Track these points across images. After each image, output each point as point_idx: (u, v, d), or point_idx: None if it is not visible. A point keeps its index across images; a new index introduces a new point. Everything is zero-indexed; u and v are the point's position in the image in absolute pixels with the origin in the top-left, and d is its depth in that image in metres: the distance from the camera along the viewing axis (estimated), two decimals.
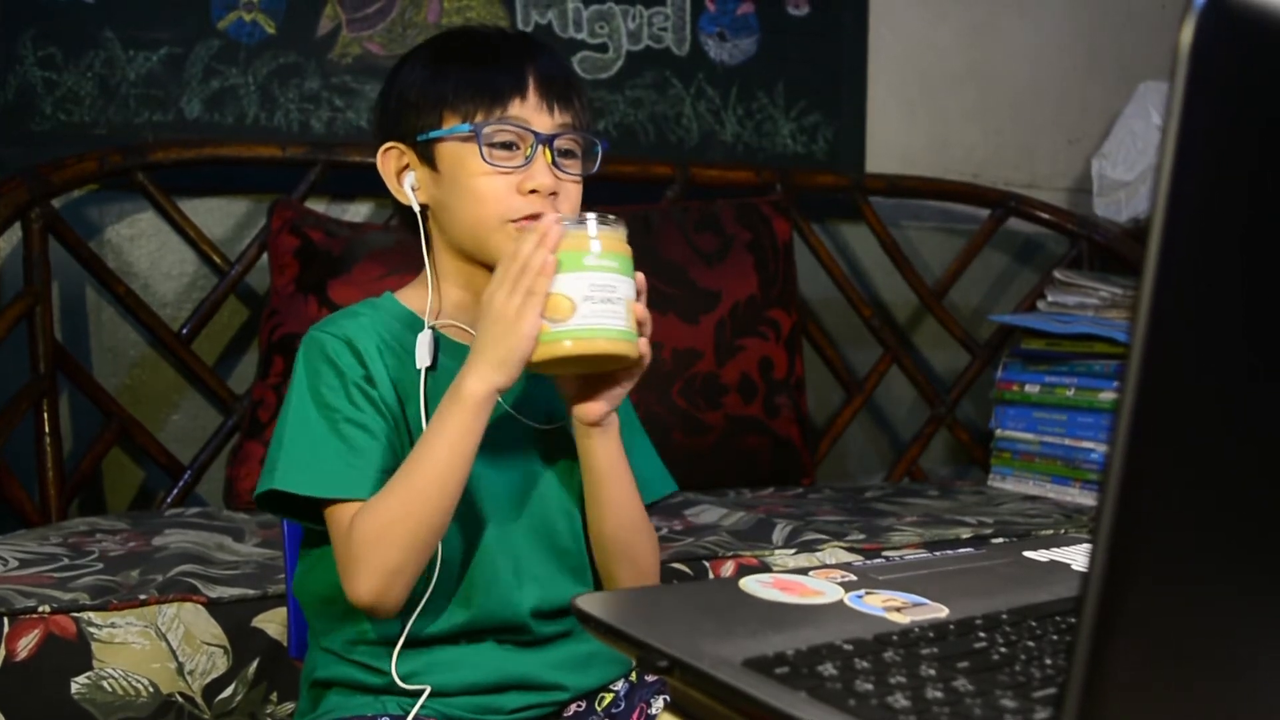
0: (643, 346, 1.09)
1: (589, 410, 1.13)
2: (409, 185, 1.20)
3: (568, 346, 1.05)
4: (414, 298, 1.22)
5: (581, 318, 1.04)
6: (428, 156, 1.18)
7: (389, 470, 1.10)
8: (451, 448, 1.06)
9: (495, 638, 1.16)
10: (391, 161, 1.21)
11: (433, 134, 1.17)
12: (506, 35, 1.23)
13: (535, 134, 1.15)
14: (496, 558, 1.16)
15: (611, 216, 1.07)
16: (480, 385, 1.05)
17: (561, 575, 1.20)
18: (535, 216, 1.13)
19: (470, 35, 1.23)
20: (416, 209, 1.19)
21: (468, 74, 1.17)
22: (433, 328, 1.18)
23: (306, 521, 1.17)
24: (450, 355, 1.17)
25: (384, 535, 1.06)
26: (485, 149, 1.14)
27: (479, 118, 1.15)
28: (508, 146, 1.15)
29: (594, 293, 1.05)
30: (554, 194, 1.15)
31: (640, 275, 1.10)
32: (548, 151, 1.15)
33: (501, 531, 1.17)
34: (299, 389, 1.14)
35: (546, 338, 1.04)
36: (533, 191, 1.14)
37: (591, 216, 1.07)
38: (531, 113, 1.15)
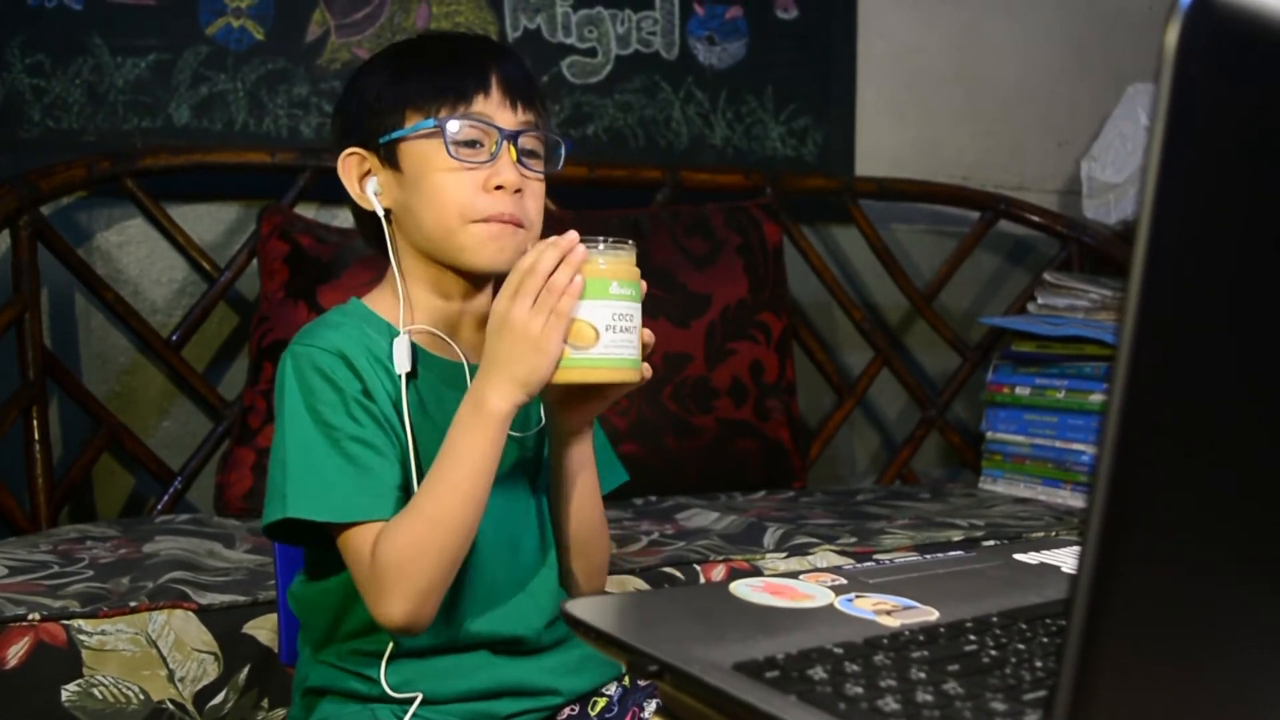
0: (645, 370, 1.09)
1: (573, 419, 1.13)
2: (371, 191, 1.18)
3: (586, 374, 1.05)
4: (383, 304, 1.19)
5: (603, 348, 1.04)
6: (391, 159, 1.16)
7: (400, 486, 1.09)
8: (475, 465, 1.05)
9: (490, 648, 1.16)
10: (353, 167, 1.19)
11: (395, 134, 1.15)
12: (467, 37, 1.23)
13: (500, 130, 1.14)
14: (495, 571, 1.15)
15: (629, 242, 1.07)
16: (504, 403, 1.04)
17: (549, 582, 1.19)
18: (500, 219, 1.13)
19: (430, 39, 1.23)
20: (381, 213, 1.18)
21: (430, 74, 1.16)
22: (408, 334, 1.16)
23: (314, 544, 1.14)
24: (424, 364, 1.16)
25: (413, 558, 1.04)
26: (450, 145, 1.12)
27: (443, 114, 1.14)
28: (472, 144, 1.14)
29: (616, 322, 1.05)
30: (519, 191, 1.14)
31: (643, 282, 1.09)
32: (512, 148, 1.14)
33: (497, 544, 1.16)
34: (294, 408, 1.10)
35: (566, 363, 1.04)
36: (498, 188, 1.13)
37: (605, 241, 1.06)
38: (495, 109, 1.14)
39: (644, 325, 1.09)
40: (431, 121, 1.14)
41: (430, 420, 1.14)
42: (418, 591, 1.04)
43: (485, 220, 1.13)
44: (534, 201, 1.16)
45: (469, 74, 1.15)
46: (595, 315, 1.04)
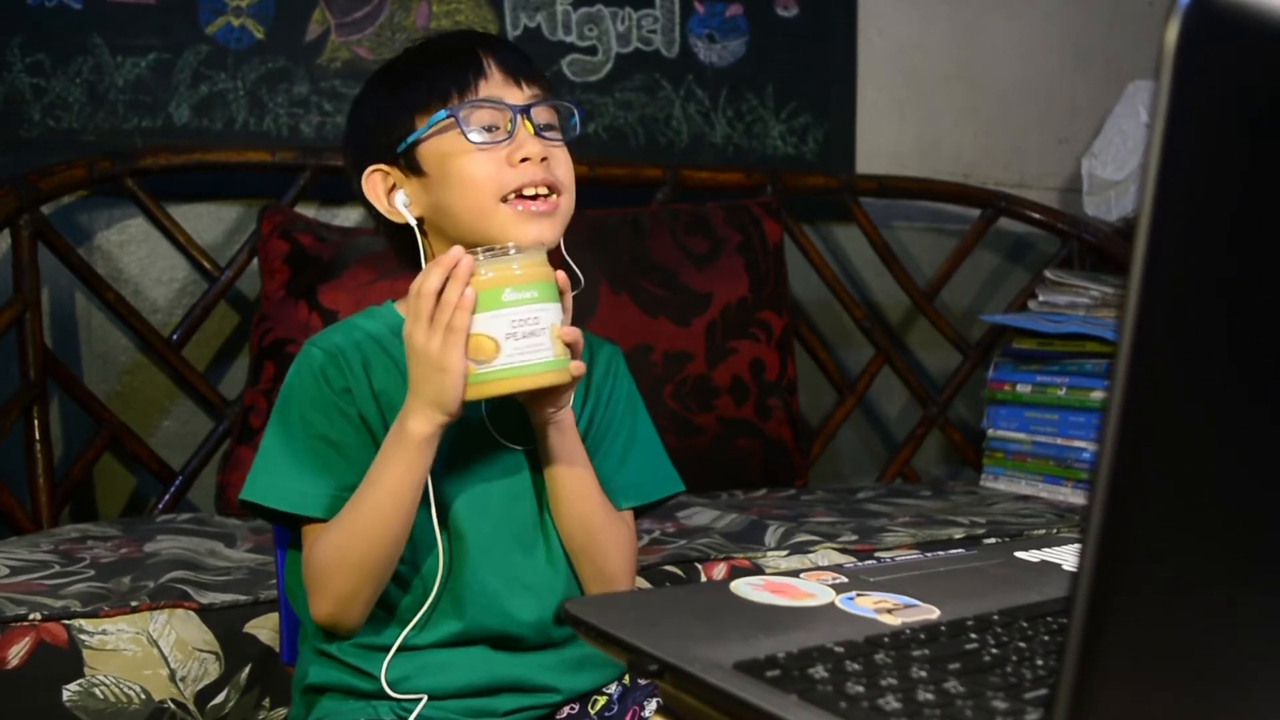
0: (574, 369, 1.08)
1: (537, 411, 1.14)
2: (401, 203, 1.18)
3: (497, 387, 1.05)
4: None
5: (507, 357, 1.04)
6: (412, 165, 1.17)
7: (354, 488, 1.11)
8: (395, 486, 1.08)
9: (489, 643, 1.16)
10: (378, 184, 1.19)
11: (411, 137, 1.16)
12: (452, 33, 1.26)
13: (511, 106, 1.15)
14: (486, 570, 1.15)
15: (516, 248, 1.07)
16: (422, 425, 1.07)
17: (554, 583, 1.19)
18: (533, 183, 1.13)
19: (416, 48, 1.24)
20: (415, 224, 1.18)
21: (428, 74, 1.17)
22: None
23: (289, 525, 1.18)
24: None
25: (334, 564, 1.10)
26: (467, 129, 1.13)
27: (452, 104, 1.15)
28: (488, 129, 1.14)
29: (516, 329, 1.04)
30: (545, 160, 1.14)
31: (562, 275, 1.09)
32: (528, 122, 1.15)
33: (490, 544, 1.16)
34: (281, 399, 1.16)
35: (474, 379, 1.04)
36: (524, 160, 1.13)
37: (499, 248, 1.06)
38: (500, 89, 1.15)
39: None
40: (444, 113, 1.14)
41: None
42: (339, 597, 1.10)
43: (518, 193, 1.13)
44: (562, 167, 1.17)
45: (466, 63, 1.16)
46: (492, 327, 1.04)
